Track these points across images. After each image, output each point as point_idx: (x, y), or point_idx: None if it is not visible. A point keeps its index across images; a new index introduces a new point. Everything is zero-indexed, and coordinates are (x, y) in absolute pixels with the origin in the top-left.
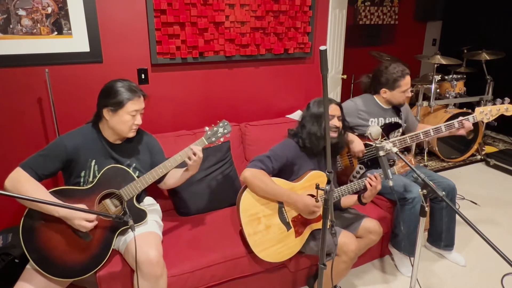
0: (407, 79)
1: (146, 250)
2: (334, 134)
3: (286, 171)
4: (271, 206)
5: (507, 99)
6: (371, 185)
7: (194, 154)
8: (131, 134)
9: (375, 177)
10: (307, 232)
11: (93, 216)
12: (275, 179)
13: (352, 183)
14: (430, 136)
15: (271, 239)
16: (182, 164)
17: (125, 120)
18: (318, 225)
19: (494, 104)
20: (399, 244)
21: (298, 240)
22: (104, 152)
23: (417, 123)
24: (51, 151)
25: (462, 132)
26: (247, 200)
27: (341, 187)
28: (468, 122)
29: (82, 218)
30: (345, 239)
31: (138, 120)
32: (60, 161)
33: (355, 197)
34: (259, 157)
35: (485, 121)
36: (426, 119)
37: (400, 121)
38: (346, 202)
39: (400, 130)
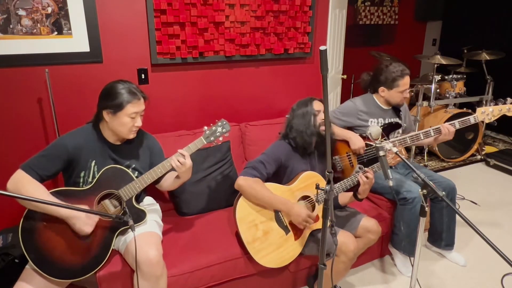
0: (406, 79)
1: (146, 250)
2: (323, 128)
3: (280, 174)
4: (268, 212)
5: (509, 99)
6: (363, 179)
7: (183, 158)
8: (131, 136)
9: (367, 171)
10: (306, 233)
11: (94, 221)
12: (269, 184)
13: (345, 179)
14: (431, 136)
15: (270, 245)
16: None
17: (124, 122)
18: (317, 225)
19: (496, 104)
20: (399, 244)
21: (298, 242)
22: (104, 153)
23: (414, 128)
24: (52, 151)
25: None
26: (242, 208)
27: (335, 185)
28: (451, 127)
29: (85, 223)
30: (344, 239)
31: (138, 122)
32: (61, 161)
33: (350, 193)
34: (252, 163)
35: (487, 121)
36: (426, 119)
37: (400, 121)
38: (342, 200)
39: (400, 130)
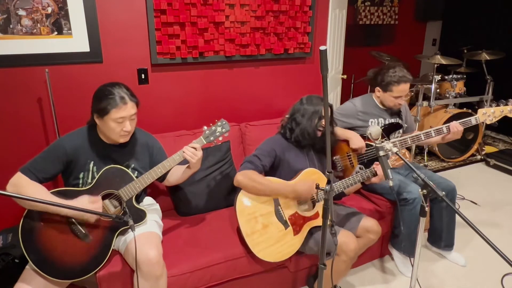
0: (402, 86)
1: (146, 250)
2: (319, 133)
3: (278, 168)
4: (267, 205)
5: (511, 100)
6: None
7: (195, 149)
8: (122, 140)
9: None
10: (305, 229)
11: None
12: (271, 178)
13: (347, 178)
14: (432, 137)
15: (269, 238)
16: (184, 161)
17: (111, 127)
18: (316, 222)
19: (498, 105)
20: (399, 244)
21: (297, 238)
22: (102, 154)
23: (415, 127)
24: (50, 153)
25: (451, 136)
26: (243, 200)
27: (336, 183)
28: (459, 126)
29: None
30: (345, 239)
31: (127, 127)
32: (60, 163)
33: (359, 184)
34: (247, 158)
35: (488, 122)
36: (426, 119)
37: (400, 122)
38: (350, 189)
39: (401, 131)
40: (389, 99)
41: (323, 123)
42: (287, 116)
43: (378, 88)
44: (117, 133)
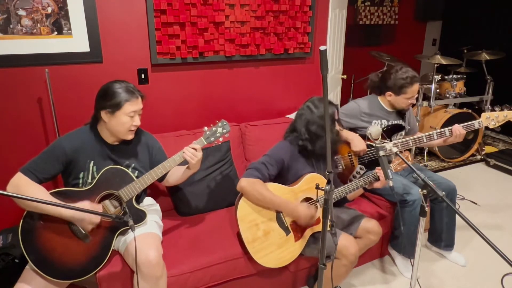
0: (415, 87)
1: (146, 251)
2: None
3: (283, 175)
4: (269, 212)
5: None
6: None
7: (195, 150)
8: (129, 136)
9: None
10: (307, 235)
11: (98, 218)
12: (272, 184)
13: (349, 184)
14: (434, 139)
15: (270, 245)
16: (184, 162)
17: (123, 122)
18: (318, 227)
19: (502, 109)
20: (399, 246)
21: (298, 244)
22: (102, 154)
23: (417, 129)
24: (50, 154)
25: (454, 140)
26: (244, 207)
27: (339, 188)
28: (462, 129)
29: (90, 221)
30: (345, 242)
31: (137, 121)
32: (59, 163)
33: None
34: (254, 164)
35: (491, 127)
36: (426, 119)
37: (403, 124)
38: (352, 194)
39: (403, 132)
40: (402, 101)
41: (338, 125)
42: (302, 129)
43: (389, 92)
44: (127, 128)
